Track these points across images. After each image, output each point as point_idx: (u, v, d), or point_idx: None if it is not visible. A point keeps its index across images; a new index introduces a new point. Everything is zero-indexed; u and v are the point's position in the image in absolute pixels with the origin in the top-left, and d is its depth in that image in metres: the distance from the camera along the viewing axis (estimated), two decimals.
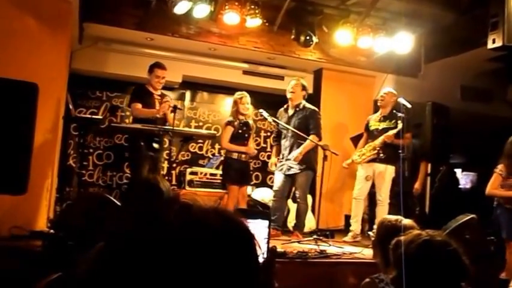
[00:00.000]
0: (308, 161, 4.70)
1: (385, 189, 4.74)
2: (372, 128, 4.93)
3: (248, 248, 0.63)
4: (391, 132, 4.67)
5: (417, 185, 5.52)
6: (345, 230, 5.17)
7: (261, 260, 0.76)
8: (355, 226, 4.81)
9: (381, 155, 4.70)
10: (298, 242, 4.23)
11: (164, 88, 4.73)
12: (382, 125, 4.85)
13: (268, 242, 0.79)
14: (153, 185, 1.52)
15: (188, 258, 0.57)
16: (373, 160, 4.77)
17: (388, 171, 4.76)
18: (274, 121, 4.80)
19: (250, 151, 4.72)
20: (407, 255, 1.38)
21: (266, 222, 0.77)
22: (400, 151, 5.48)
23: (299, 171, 4.65)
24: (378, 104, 4.99)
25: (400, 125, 4.61)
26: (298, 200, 4.73)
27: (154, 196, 1.44)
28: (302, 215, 4.74)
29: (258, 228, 0.79)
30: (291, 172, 4.69)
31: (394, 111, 4.85)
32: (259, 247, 0.64)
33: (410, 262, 1.36)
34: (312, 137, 4.62)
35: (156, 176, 1.63)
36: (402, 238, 1.49)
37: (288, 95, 4.82)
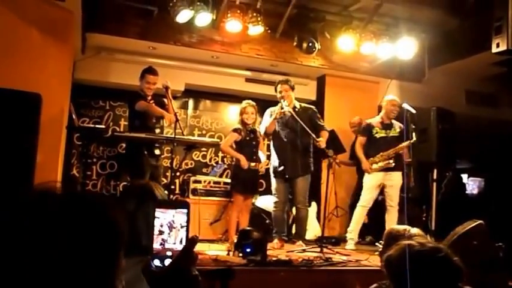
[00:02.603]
0: (309, 165, 4.65)
1: (396, 195, 4.75)
2: (378, 135, 4.86)
3: (89, 224, 0.66)
4: (406, 144, 4.71)
5: None
6: None
7: (180, 247, 0.82)
8: (356, 234, 4.76)
9: (393, 163, 4.69)
10: (304, 250, 4.17)
11: (164, 96, 4.59)
12: (391, 133, 4.85)
13: (187, 230, 0.85)
14: (148, 190, 1.50)
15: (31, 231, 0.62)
16: (385, 169, 4.74)
17: (399, 178, 4.76)
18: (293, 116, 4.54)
19: (243, 163, 4.46)
20: (399, 269, 1.43)
21: (185, 211, 0.85)
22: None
23: (302, 174, 4.57)
24: (392, 114, 4.84)
25: (414, 137, 4.67)
26: (299, 205, 4.59)
27: (147, 201, 1.41)
28: (303, 221, 4.64)
29: (178, 216, 0.85)
30: (291, 176, 4.56)
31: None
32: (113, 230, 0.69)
33: (404, 276, 1.40)
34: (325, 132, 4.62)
35: (151, 182, 1.60)
36: (391, 253, 1.53)
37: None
